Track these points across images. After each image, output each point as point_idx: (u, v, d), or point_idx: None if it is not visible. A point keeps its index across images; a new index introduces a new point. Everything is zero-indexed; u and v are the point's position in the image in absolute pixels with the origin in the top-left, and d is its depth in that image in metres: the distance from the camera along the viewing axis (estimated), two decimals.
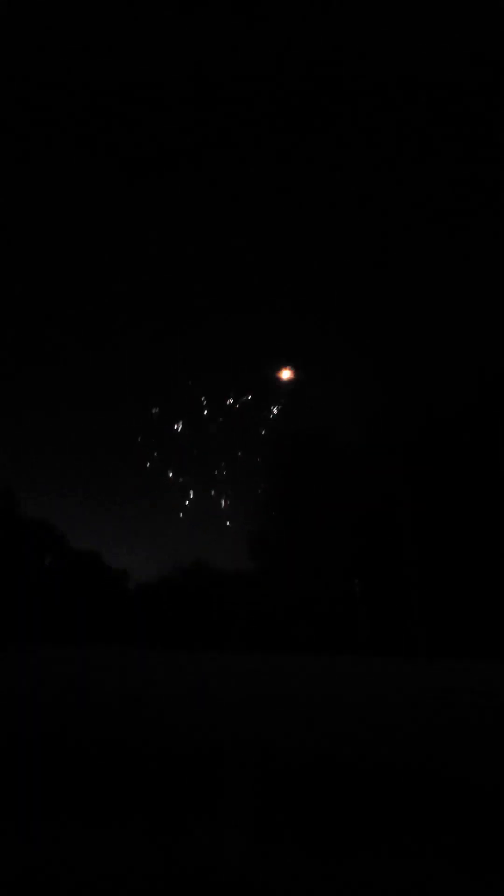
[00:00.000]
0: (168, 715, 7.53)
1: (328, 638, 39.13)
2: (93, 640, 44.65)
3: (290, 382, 47.23)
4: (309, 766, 4.72)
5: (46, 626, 45.93)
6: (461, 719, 8.07)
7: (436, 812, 3.62)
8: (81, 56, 39.66)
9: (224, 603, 49.76)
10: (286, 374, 46.70)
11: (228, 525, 49.75)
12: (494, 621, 31.69)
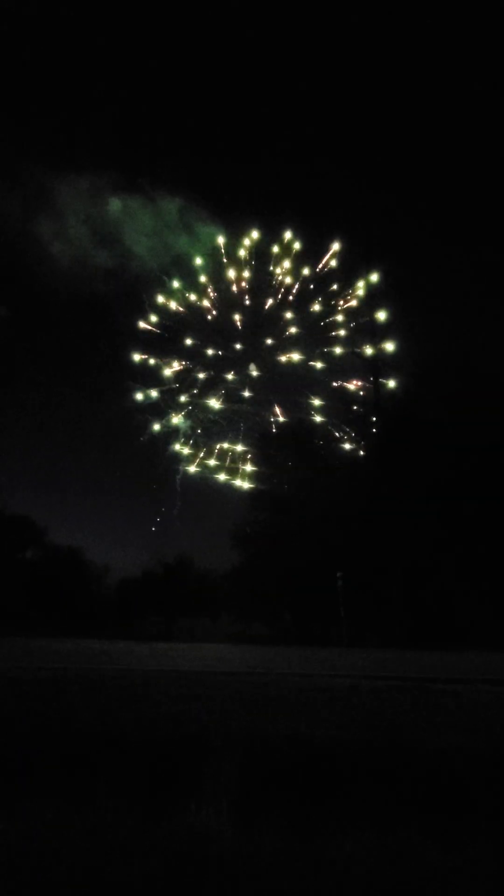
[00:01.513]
0: (151, 704, 7.52)
1: (311, 630, 39.48)
2: (74, 635, 44.39)
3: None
4: (294, 750, 4.76)
5: (25, 621, 45.53)
6: (441, 705, 8.22)
7: (417, 791, 3.68)
8: None
9: (207, 596, 49.86)
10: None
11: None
12: (477, 613, 32.28)
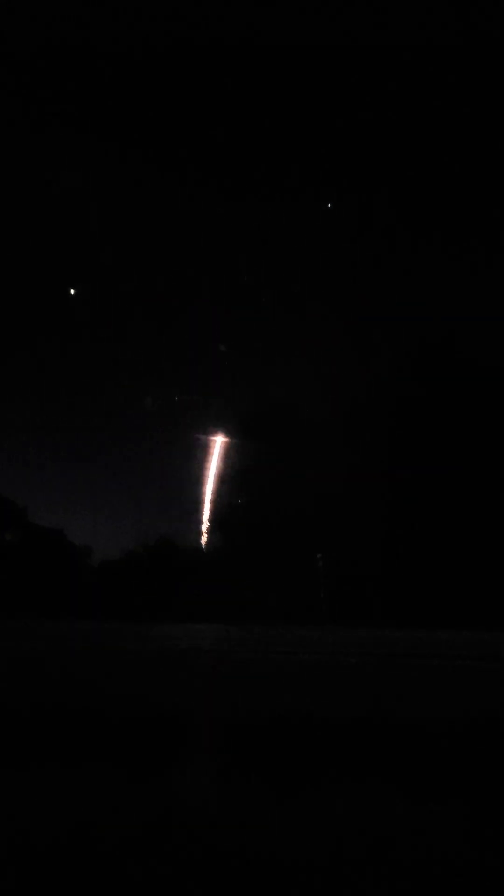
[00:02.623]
0: (131, 681, 7.56)
1: (292, 610, 40.06)
2: (55, 616, 44.34)
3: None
4: (274, 722, 4.83)
5: (5, 601, 45.31)
6: (418, 678, 8.44)
7: (394, 755, 3.77)
8: None
9: (190, 578, 50.12)
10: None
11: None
12: (457, 592, 33.08)
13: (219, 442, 51.55)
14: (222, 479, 51.26)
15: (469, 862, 2.15)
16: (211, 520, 48.32)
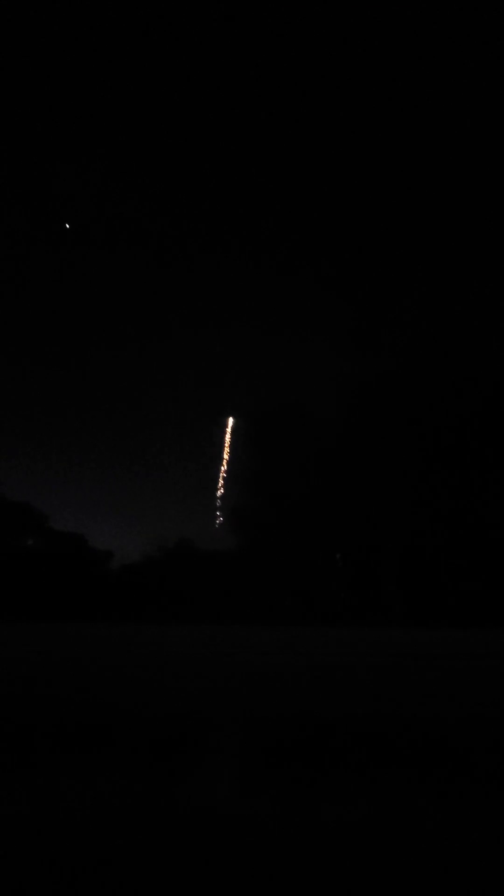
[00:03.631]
0: (157, 683, 7.75)
1: (311, 610, 39.98)
2: (77, 619, 44.84)
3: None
4: (293, 720, 4.97)
5: (29, 607, 45.89)
6: (433, 679, 8.50)
7: (411, 749, 3.90)
8: None
9: (208, 580, 50.24)
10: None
11: (219, 498, 49.62)
12: (471, 592, 32.79)
13: (236, 444, 51.74)
14: (240, 481, 51.40)
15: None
16: (229, 521, 48.47)
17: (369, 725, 4.98)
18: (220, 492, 49.72)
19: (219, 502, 49.26)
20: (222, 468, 50.63)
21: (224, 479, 49.90)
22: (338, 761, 3.85)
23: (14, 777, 3.39)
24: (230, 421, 48.88)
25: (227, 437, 49.04)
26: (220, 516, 47.76)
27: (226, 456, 49.62)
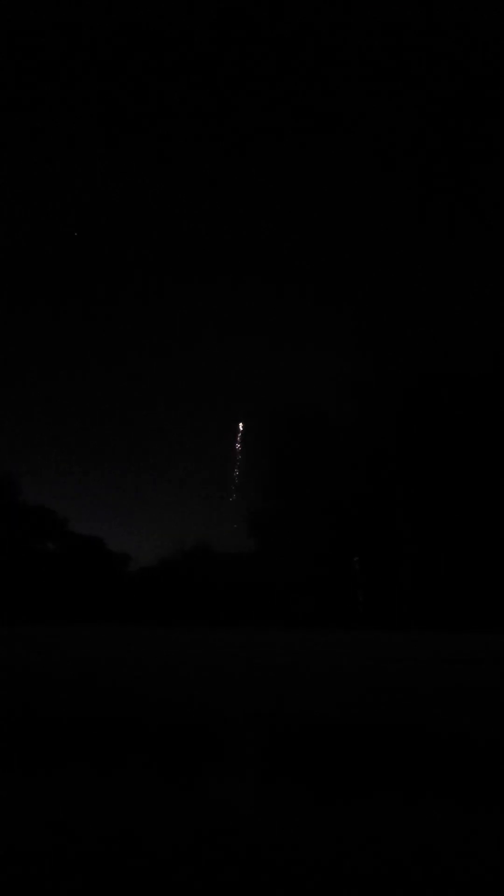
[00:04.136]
0: (172, 687, 7.72)
1: (329, 613, 39.74)
2: (96, 622, 45.22)
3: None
4: (310, 729, 4.88)
5: (49, 609, 46.45)
6: (455, 684, 8.31)
7: (435, 763, 3.77)
8: None
9: (226, 582, 50.30)
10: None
11: (231, 499, 49.75)
12: (488, 594, 32.22)
13: (253, 447, 51.72)
14: (257, 485, 51.37)
15: None
16: (246, 524, 48.45)
17: (392, 735, 4.85)
18: (232, 498, 49.79)
19: (234, 496, 49.34)
20: (235, 473, 50.69)
21: (236, 483, 49.97)
22: (357, 769, 3.75)
23: (32, 782, 3.35)
24: (240, 426, 49.01)
25: (238, 442, 49.15)
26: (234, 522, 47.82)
27: (237, 459, 49.68)
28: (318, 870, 2.10)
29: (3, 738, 4.47)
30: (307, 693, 7.40)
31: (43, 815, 2.63)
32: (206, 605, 50.13)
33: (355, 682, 8.56)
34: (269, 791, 3.20)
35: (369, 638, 24.72)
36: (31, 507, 55.03)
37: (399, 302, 46.46)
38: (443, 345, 38.81)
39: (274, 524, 45.54)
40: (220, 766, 3.71)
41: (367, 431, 41.25)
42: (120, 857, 2.19)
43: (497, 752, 4.19)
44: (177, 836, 2.37)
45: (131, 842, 2.32)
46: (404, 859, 2.20)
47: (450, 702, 6.65)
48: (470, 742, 4.47)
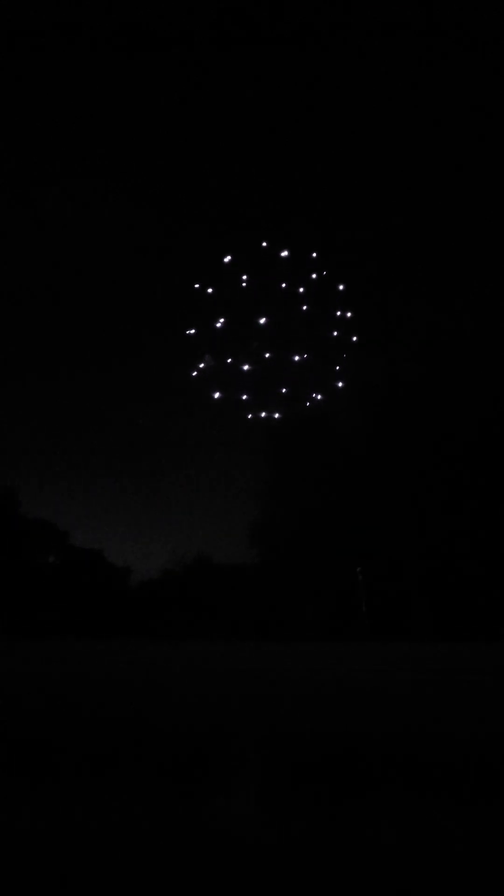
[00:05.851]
0: (176, 701, 7.64)
1: (332, 625, 39.45)
2: (97, 636, 44.91)
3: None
4: (316, 739, 4.82)
5: (50, 624, 46.19)
6: (463, 696, 8.22)
7: (440, 770, 3.72)
8: None
9: (227, 595, 50.04)
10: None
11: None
12: (494, 604, 31.99)
13: (253, 457, 51.67)
14: (258, 495, 51.27)
15: None
16: (247, 536, 48.27)
17: (399, 745, 4.80)
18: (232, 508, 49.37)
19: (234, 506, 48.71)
20: (235, 483, 50.51)
21: (237, 493, 49.69)
22: (367, 782, 3.70)
23: (35, 796, 3.30)
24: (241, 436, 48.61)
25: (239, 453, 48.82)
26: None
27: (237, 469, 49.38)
28: (322, 873, 2.06)
29: (2, 753, 4.42)
30: (312, 706, 7.32)
31: (43, 823, 2.59)
32: (208, 617, 49.82)
33: (360, 694, 8.47)
34: (276, 801, 3.15)
35: (373, 648, 24.52)
36: (31, 521, 54.91)
37: (399, 302, 46.49)
38: (447, 347, 38.87)
39: (277, 535, 45.35)
40: (223, 780, 3.66)
41: (373, 439, 41.16)
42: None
43: (501, 760, 4.13)
44: (180, 843, 2.33)
45: (137, 852, 2.28)
46: (410, 866, 2.16)
47: (455, 711, 6.57)
48: (474, 750, 4.42)
